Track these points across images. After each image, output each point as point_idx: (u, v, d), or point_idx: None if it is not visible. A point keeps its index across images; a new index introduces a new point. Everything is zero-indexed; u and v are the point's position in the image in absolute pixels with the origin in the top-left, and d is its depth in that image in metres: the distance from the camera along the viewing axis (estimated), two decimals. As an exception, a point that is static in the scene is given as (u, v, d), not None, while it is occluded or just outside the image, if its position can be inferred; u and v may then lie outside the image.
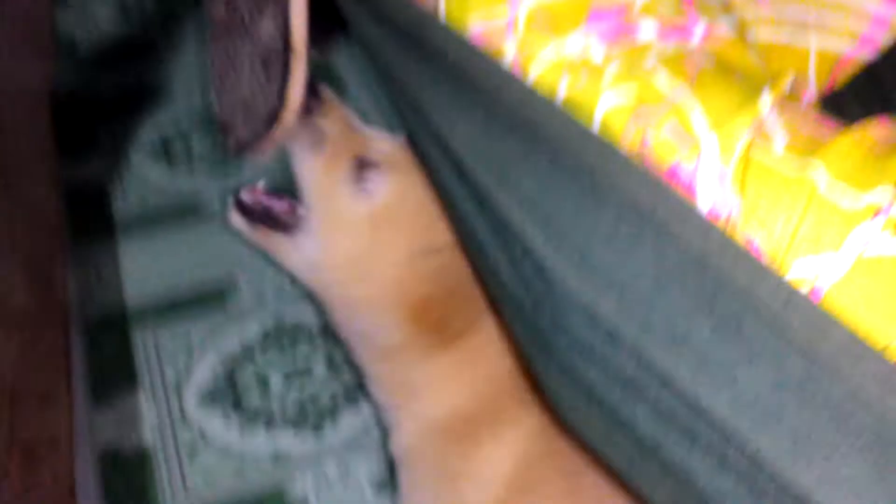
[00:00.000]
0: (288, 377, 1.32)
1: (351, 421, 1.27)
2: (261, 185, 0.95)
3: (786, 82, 0.57)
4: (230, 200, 0.94)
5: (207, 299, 1.44)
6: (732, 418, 0.52)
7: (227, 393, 1.30)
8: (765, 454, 0.51)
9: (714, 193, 0.54)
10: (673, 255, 0.53)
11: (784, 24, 0.71)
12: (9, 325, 1.15)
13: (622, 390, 0.57)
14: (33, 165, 1.41)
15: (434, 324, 0.84)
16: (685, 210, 0.53)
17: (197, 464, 1.21)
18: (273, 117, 0.74)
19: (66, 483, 1.04)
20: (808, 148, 0.54)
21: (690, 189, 0.54)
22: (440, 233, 0.84)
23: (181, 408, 1.28)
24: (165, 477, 1.20)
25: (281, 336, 1.37)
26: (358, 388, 1.30)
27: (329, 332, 1.37)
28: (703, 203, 0.54)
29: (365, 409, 1.28)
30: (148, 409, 1.28)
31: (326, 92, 0.87)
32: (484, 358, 0.86)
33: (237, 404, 1.28)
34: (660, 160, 0.55)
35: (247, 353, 1.35)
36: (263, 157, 0.77)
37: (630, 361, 0.55)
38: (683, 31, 0.60)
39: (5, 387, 1.07)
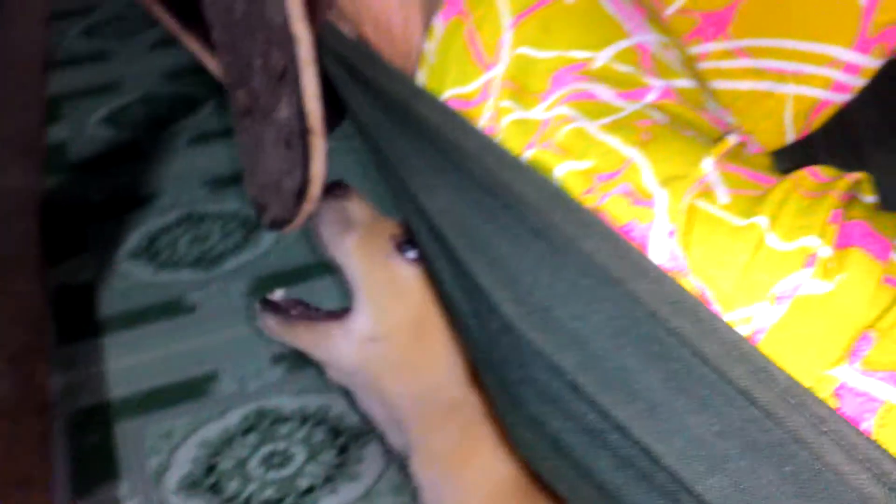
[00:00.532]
0: (267, 462, 1.34)
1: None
2: (279, 292, 0.99)
3: (729, 142, 0.62)
4: (256, 306, 0.97)
5: (189, 390, 1.46)
6: (681, 464, 0.55)
7: (207, 479, 1.32)
8: (711, 498, 0.54)
9: (665, 248, 0.58)
10: (628, 310, 0.56)
11: (764, 75, 0.77)
12: (-9, 414, 1.18)
13: (585, 439, 0.59)
14: (19, 263, 1.46)
15: None
16: (639, 265, 0.56)
17: (176, 549, 1.23)
18: (301, 194, 0.79)
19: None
20: (747, 204, 0.58)
21: (643, 245, 0.58)
22: None
23: (161, 496, 1.30)
24: (144, 563, 1.21)
25: (261, 423, 1.40)
26: (337, 470, 1.32)
27: (308, 419, 1.40)
28: (655, 258, 0.58)
29: (342, 492, 1.29)
30: (128, 499, 1.29)
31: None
32: None
33: (217, 490, 1.30)
34: (615, 218, 0.59)
35: (227, 440, 1.37)
36: (296, 230, 0.83)
37: (591, 411, 0.58)
38: (639, 94, 0.65)
39: (-15, 472, 1.10)
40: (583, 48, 0.65)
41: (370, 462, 1.33)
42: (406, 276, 0.91)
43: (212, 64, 0.91)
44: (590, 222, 0.58)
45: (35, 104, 1.57)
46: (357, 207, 0.95)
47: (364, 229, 0.94)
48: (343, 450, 1.35)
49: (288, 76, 0.76)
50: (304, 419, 1.40)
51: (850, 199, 0.59)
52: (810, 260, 0.55)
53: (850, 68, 0.74)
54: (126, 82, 2.36)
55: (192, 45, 0.93)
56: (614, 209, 0.59)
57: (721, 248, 0.57)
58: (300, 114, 0.76)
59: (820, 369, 0.54)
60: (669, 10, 0.76)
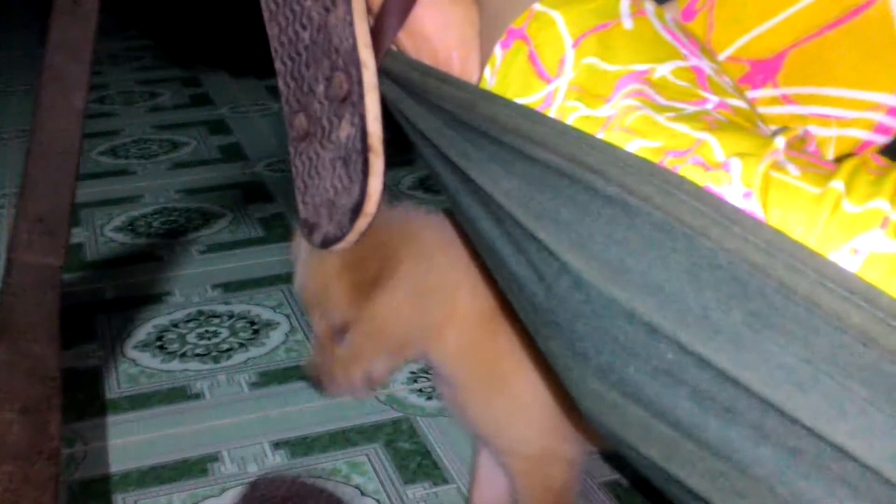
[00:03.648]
0: (265, 539, 1.33)
1: (325, 581, 1.27)
2: None
3: (795, 131, 0.68)
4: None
5: (190, 468, 1.46)
6: (769, 391, 0.58)
7: (204, 552, 1.31)
8: (801, 417, 0.57)
9: (742, 208, 0.63)
10: (707, 255, 0.60)
11: (808, 120, 0.83)
12: (4, 456, 1.19)
13: (662, 379, 0.63)
14: (37, 330, 1.48)
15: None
16: (719, 212, 0.61)
17: None
18: (357, 210, 0.84)
19: None
20: (819, 177, 0.64)
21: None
22: None
23: (156, 564, 1.29)
24: None
25: (260, 504, 1.40)
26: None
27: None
28: None
29: (340, 569, 1.28)
30: (123, 564, 1.28)
31: None
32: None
33: (212, 563, 1.29)
34: (690, 182, 0.64)
35: (226, 519, 1.37)
36: (347, 248, 0.89)
37: (669, 350, 0.62)
38: (697, 103, 0.72)
39: (-7, 508, 1.10)
40: (643, 62, 0.72)
41: (368, 544, 1.32)
42: None
43: None
44: (667, 180, 0.63)
45: (65, 190, 1.63)
46: None
47: None
48: (341, 531, 1.35)
49: (350, 99, 0.83)
50: (303, 501, 1.40)
51: None
52: (883, 221, 0.60)
53: (893, 111, 0.80)
54: (145, 196, 2.45)
55: None
56: (688, 175, 0.64)
57: (800, 208, 0.62)
58: (362, 134, 0.82)
59: None
60: (720, 57, 0.84)
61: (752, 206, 0.63)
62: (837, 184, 0.62)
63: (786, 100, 0.83)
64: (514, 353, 1.03)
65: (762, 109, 0.83)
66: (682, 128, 0.67)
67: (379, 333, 1.05)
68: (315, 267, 1.01)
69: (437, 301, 1.02)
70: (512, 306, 0.80)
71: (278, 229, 2.25)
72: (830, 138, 0.82)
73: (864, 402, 0.55)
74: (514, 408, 1.08)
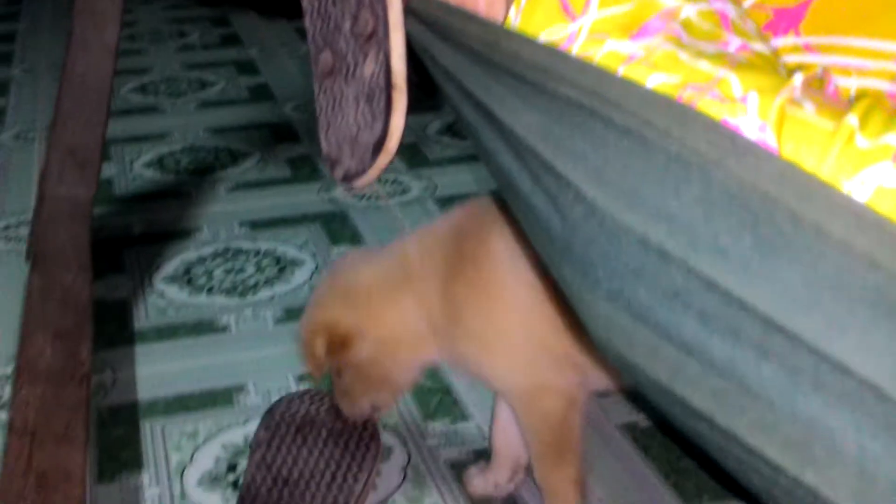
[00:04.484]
0: (287, 467, 1.37)
1: (345, 508, 1.31)
2: None
3: (815, 70, 0.69)
4: None
5: (215, 398, 1.51)
6: (774, 310, 0.60)
7: (228, 476, 1.35)
8: (804, 335, 0.59)
9: (757, 140, 0.64)
10: (720, 186, 0.62)
11: (830, 69, 0.83)
12: (36, 379, 1.24)
13: (670, 302, 0.65)
14: (69, 256, 1.53)
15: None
16: (734, 144, 0.62)
17: (193, 534, 1.25)
18: (378, 147, 0.86)
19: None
20: (834, 112, 0.65)
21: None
22: None
23: (182, 488, 1.33)
24: (161, 544, 1.24)
25: (283, 434, 1.43)
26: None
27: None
28: None
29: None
30: (149, 487, 1.33)
31: None
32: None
33: (237, 486, 1.33)
34: (707, 116, 0.65)
35: (250, 444, 1.41)
36: (366, 185, 0.91)
37: (679, 274, 0.64)
38: (720, 45, 0.73)
39: (27, 427, 1.14)
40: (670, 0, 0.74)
41: (388, 475, 1.36)
42: None
43: None
44: (685, 113, 0.64)
45: (97, 123, 1.66)
46: None
47: None
48: (361, 462, 1.38)
49: (376, 37, 0.84)
50: (325, 432, 1.44)
51: None
52: (895, 155, 0.62)
53: None
54: (173, 133, 2.48)
55: None
56: (705, 109, 0.66)
57: (813, 142, 0.64)
58: (386, 71, 0.84)
59: None
60: (746, 4, 0.85)
61: (767, 139, 0.64)
62: (852, 119, 0.64)
63: (808, 49, 0.84)
64: (480, 294, 1.09)
65: (784, 58, 0.84)
66: (703, 65, 0.69)
67: (361, 378, 1.18)
68: (302, 322, 1.19)
69: (406, 344, 1.16)
70: (528, 237, 0.82)
71: (305, 170, 2.28)
72: (850, 89, 0.83)
73: (866, 322, 0.57)
74: (492, 342, 1.12)
